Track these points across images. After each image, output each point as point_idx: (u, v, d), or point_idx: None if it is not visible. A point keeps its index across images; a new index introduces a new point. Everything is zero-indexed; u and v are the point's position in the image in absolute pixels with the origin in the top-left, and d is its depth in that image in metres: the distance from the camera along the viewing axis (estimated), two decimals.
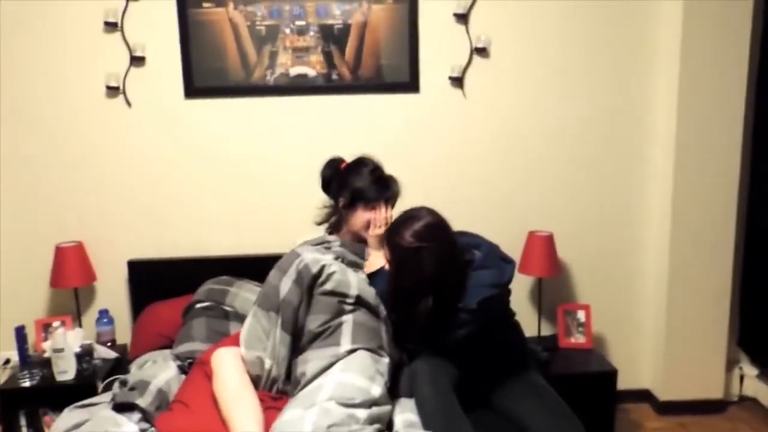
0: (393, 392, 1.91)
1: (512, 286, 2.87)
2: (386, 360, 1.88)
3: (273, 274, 1.96)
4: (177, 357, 2.14)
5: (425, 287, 1.91)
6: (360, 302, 1.93)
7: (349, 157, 2.34)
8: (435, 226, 1.95)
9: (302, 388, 1.76)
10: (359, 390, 1.71)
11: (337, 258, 2.04)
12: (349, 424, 1.58)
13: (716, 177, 2.81)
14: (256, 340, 1.89)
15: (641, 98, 2.86)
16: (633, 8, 2.78)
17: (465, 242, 2.06)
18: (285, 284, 1.90)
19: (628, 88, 2.86)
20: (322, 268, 1.91)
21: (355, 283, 1.96)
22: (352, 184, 2.20)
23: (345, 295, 1.91)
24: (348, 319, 1.88)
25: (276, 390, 1.88)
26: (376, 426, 1.66)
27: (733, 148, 2.79)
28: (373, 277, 2.06)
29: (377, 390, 1.75)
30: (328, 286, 1.90)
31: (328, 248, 2.09)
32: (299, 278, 1.90)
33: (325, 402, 1.63)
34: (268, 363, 1.86)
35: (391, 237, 1.97)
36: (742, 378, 3.04)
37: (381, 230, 2.12)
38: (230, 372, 1.81)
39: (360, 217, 2.18)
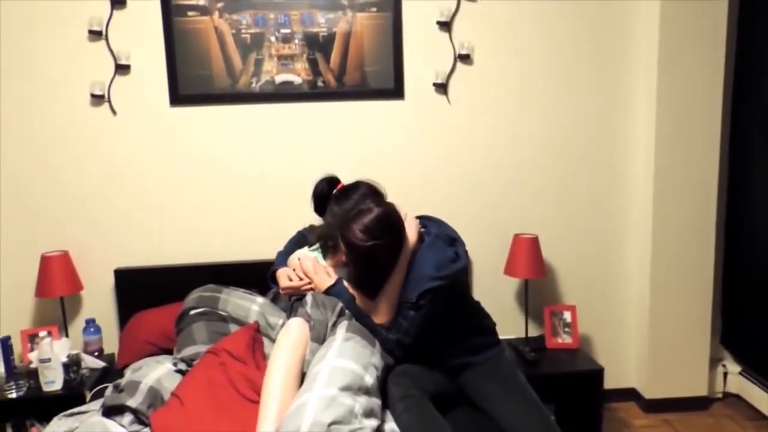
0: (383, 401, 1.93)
1: (499, 287, 2.94)
2: (379, 357, 1.90)
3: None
4: (181, 360, 2.14)
5: (385, 275, 2.02)
6: None
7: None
8: (384, 219, 2.00)
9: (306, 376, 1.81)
10: (353, 374, 1.73)
11: None
12: (350, 421, 1.59)
13: (696, 179, 2.87)
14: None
15: (622, 102, 2.92)
16: (612, 14, 2.85)
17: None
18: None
19: (610, 93, 2.91)
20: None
21: None
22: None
23: None
24: (345, 321, 1.98)
25: None
26: (373, 422, 1.67)
27: (712, 150, 2.86)
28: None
29: (370, 380, 1.77)
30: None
31: None
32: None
33: (323, 389, 1.64)
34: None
35: (344, 234, 2.01)
36: (725, 375, 3.10)
37: None
38: (282, 358, 1.83)
39: None
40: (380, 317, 2.03)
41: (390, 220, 2.02)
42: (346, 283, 2.10)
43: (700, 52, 2.78)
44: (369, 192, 2.26)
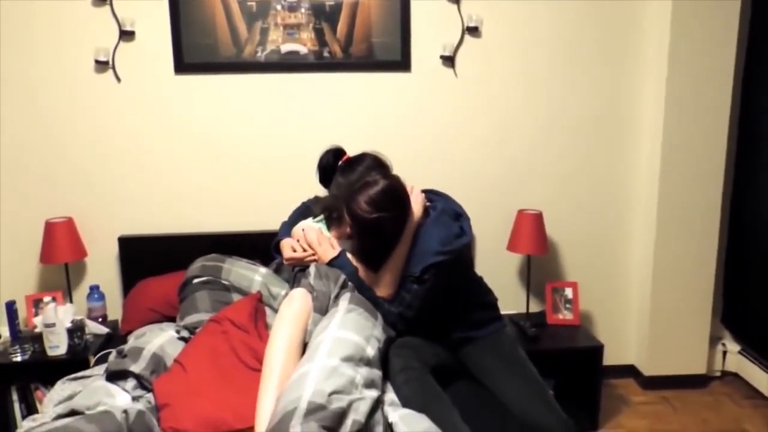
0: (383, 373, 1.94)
1: (501, 263, 2.94)
2: (380, 329, 1.91)
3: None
4: (184, 328, 2.16)
5: (389, 248, 2.02)
6: None
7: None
8: (390, 192, 1.98)
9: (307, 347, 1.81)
10: (355, 345, 1.74)
11: None
12: (350, 391, 1.60)
13: (702, 160, 2.84)
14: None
15: (631, 81, 2.88)
16: None
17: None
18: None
19: (619, 70, 2.87)
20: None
21: None
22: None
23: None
24: (348, 293, 1.98)
25: None
26: (374, 392, 1.68)
27: (719, 135, 2.83)
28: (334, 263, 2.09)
29: (371, 351, 1.78)
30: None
31: None
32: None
33: (325, 359, 1.66)
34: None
35: (349, 206, 1.99)
36: (724, 354, 3.11)
37: None
38: (284, 328, 1.83)
39: None
40: (383, 290, 2.04)
41: (395, 192, 2.00)
42: (349, 255, 2.10)
43: (711, 35, 2.74)
44: (375, 164, 2.24)
